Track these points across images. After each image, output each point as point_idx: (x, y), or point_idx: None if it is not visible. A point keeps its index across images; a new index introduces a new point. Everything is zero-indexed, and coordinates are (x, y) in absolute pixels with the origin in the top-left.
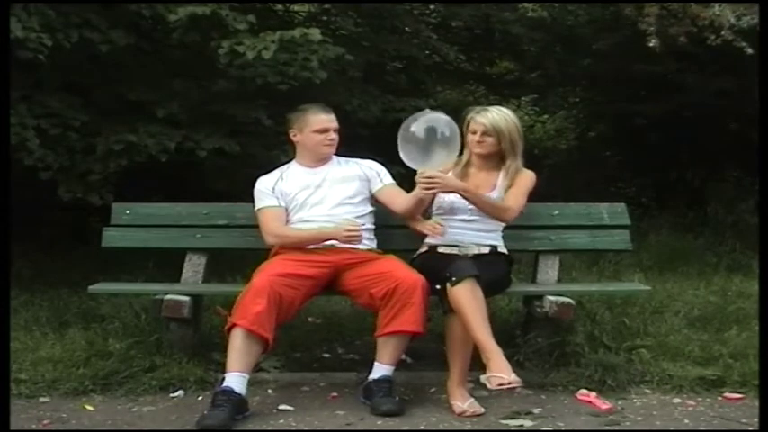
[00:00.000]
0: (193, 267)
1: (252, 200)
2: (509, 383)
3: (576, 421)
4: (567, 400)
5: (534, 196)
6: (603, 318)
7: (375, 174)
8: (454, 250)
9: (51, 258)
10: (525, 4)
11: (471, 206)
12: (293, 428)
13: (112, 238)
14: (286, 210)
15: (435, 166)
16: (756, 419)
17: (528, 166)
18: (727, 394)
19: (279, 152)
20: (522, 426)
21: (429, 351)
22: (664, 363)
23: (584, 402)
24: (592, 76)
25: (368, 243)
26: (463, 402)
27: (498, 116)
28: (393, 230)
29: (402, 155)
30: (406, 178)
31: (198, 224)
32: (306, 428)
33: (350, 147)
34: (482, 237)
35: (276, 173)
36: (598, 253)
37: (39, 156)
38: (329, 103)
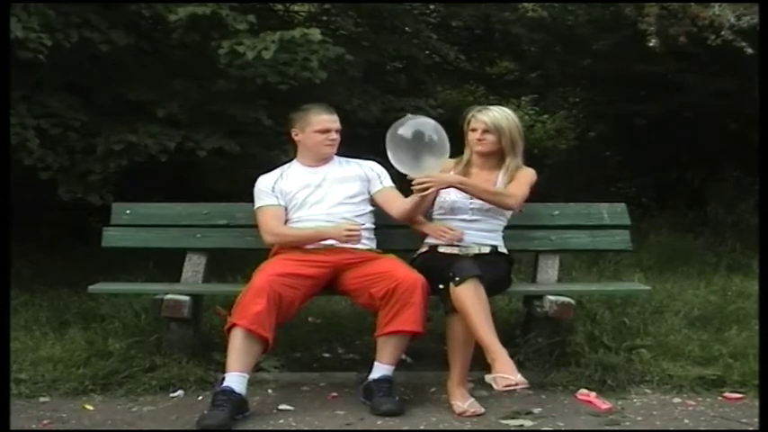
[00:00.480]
0: (193, 267)
1: (252, 200)
2: (516, 384)
3: (576, 421)
4: (567, 400)
5: (534, 196)
6: (603, 318)
7: (376, 175)
8: (455, 250)
9: (51, 258)
10: (525, 4)
11: (472, 206)
12: (293, 428)
13: (112, 238)
14: (285, 209)
15: (425, 170)
16: (756, 419)
17: (528, 165)
18: (727, 394)
19: (279, 152)
20: (522, 426)
21: (429, 351)
22: (664, 363)
23: (584, 402)
24: (592, 76)
25: (368, 243)
26: (463, 402)
27: (499, 114)
28: (393, 230)
29: (391, 157)
30: (405, 179)
31: (198, 224)
32: (306, 428)
33: (350, 146)
34: (483, 237)
35: (277, 172)
36: (598, 253)
37: (39, 156)
38: (329, 103)
